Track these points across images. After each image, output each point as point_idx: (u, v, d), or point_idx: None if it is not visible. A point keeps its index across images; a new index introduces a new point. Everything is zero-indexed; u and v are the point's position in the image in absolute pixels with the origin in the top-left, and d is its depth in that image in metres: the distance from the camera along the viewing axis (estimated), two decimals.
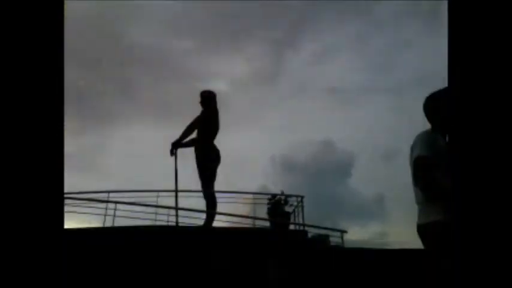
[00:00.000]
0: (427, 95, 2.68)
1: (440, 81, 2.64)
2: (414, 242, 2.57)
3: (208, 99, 5.49)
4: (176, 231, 5.20)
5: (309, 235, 5.59)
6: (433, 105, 2.63)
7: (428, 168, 2.38)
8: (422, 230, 2.46)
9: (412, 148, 2.51)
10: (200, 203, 5.50)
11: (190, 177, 5.65)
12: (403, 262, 4.49)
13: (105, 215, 6.43)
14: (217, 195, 5.50)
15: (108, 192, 7.07)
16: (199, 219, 5.48)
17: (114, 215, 6.42)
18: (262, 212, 6.64)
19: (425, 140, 2.47)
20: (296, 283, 4.33)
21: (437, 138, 2.51)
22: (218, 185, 5.53)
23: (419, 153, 2.41)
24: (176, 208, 5.53)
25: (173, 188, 5.59)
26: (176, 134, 5.44)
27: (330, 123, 19.59)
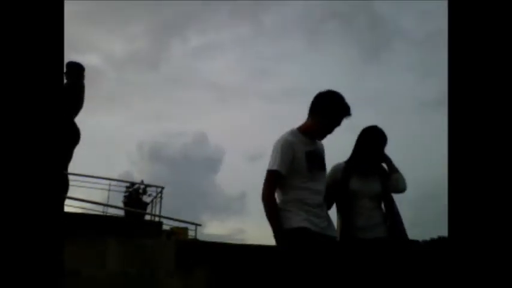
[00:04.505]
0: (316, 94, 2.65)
1: (314, 94, 2.78)
2: (268, 239, 2.77)
3: (74, 71, 4.99)
4: None
5: (167, 227, 5.54)
6: (329, 102, 2.61)
7: (273, 184, 2.51)
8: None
9: (272, 152, 2.56)
10: None
11: None
12: (253, 258, 4.79)
13: None
14: (70, 177, 5.06)
15: None
16: None
17: None
18: (119, 199, 6.32)
19: (282, 149, 2.51)
20: (133, 277, 4.21)
21: (299, 142, 2.57)
22: (73, 166, 5.08)
23: (271, 167, 2.49)
24: None
25: None
26: None
27: (205, 117, 19.70)
